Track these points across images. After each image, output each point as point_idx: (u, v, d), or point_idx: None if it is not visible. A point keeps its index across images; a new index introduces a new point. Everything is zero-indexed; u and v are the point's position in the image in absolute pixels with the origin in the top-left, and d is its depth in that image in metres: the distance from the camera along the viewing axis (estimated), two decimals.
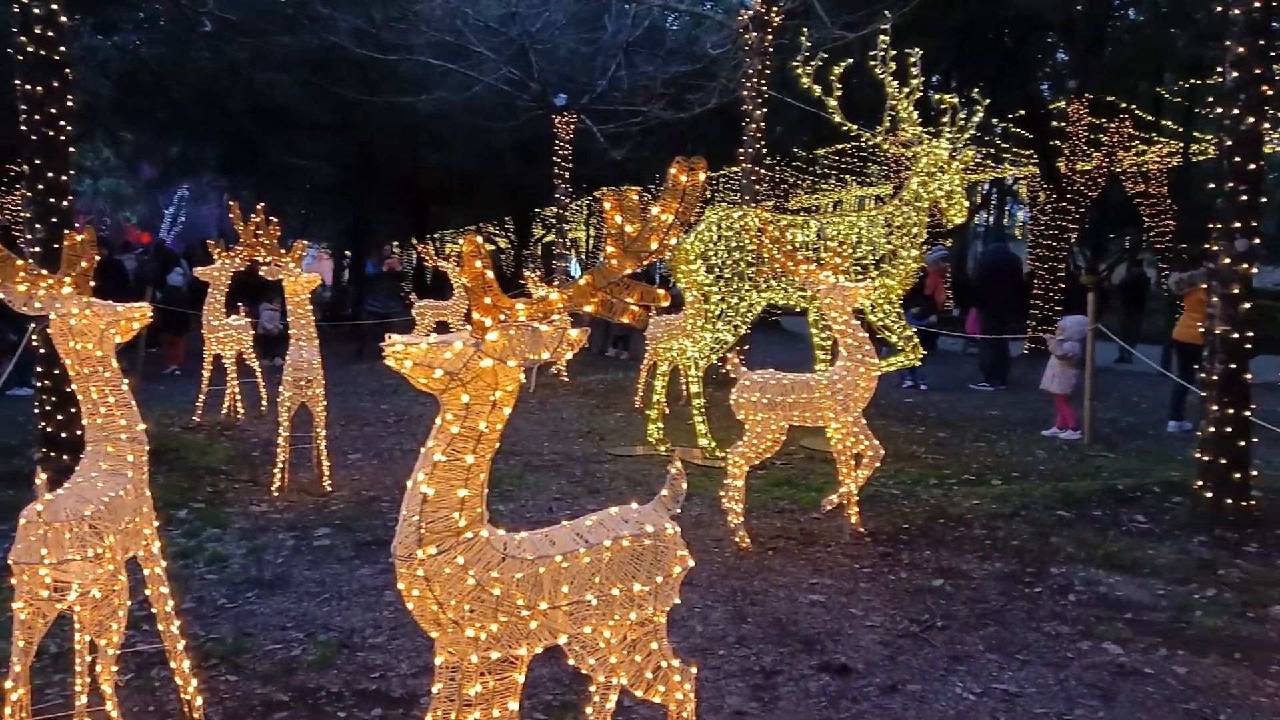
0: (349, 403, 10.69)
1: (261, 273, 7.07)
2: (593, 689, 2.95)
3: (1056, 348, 9.55)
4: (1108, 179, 18.98)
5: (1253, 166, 5.62)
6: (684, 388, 10.64)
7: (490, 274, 2.22)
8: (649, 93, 14.13)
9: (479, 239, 2.21)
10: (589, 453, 8.55)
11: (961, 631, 4.55)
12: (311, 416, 6.91)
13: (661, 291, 2.34)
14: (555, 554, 2.50)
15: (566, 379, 12.96)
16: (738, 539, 5.72)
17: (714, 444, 8.26)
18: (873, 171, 26.29)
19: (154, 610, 3.44)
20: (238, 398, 9.71)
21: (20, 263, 3.12)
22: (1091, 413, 9.31)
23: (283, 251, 6.89)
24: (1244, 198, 5.64)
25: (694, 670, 2.86)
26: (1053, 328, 10.43)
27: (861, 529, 5.99)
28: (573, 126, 15.60)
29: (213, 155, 18.60)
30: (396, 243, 30.05)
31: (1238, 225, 5.67)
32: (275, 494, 6.73)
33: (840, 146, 22.07)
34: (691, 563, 2.81)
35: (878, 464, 5.91)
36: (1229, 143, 5.68)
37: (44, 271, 3.19)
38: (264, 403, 9.86)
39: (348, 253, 27.25)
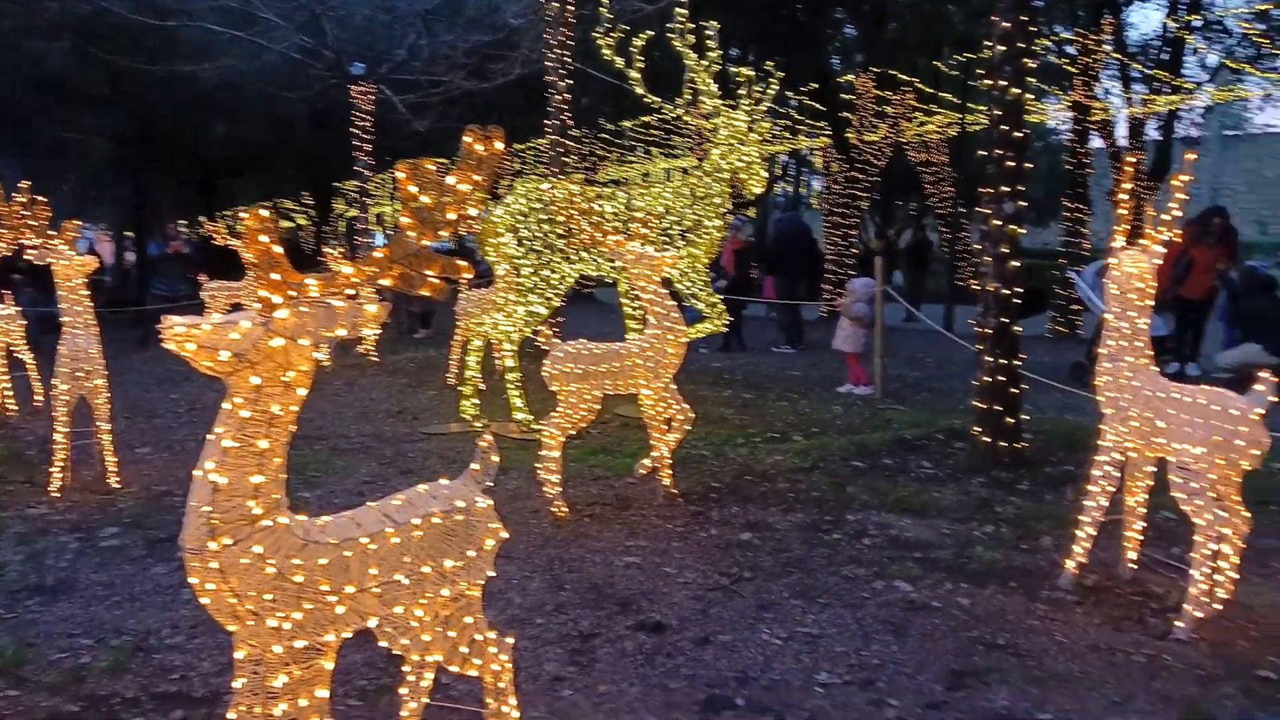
0: (135, 393, 10.00)
1: (28, 256, 6.48)
2: (406, 669, 2.91)
3: (847, 309, 10.11)
4: (894, 149, 20.16)
5: (1018, 135, 6.11)
6: (498, 362, 10.57)
7: (278, 248, 2.13)
8: (450, 62, 13.82)
9: (264, 212, 2.12)
10: (400, 433, 8.37)
11: (768, 581, 4.78)
12: (92, 410, 6.42)
13: (464, 264, 2.31)
14: (361, 536, 2.45)
15: (376, 359, 12.60)
16: (555, 509, 5.76)
17: (530, 417, 8.25)
18: (678, 144, 26.80)
19: None
20: (9, 393, 8.89)
21: None
22: (882, 369, 9.92)
23: (52, 233, 6.33)
24: (1010, 164, 6.13)
25: (511, 641, 2.88)
26: (844, 291, 11.00)
27: (674, 490, 6.16)
28: (371, 97, 15.06)
29: None
30: (184, 221, 28.20)
31: (1005, 189, 6.17)
32: (55, 494, 6.22)
33: (646, 119, 22.36)
34: (505, 534, 2.82)
35: (688, 427, 6.09)
36: (997, 112, 6.15)
37: None
38: (39, 397, 9.07)
39: (129, 233, 25.30)
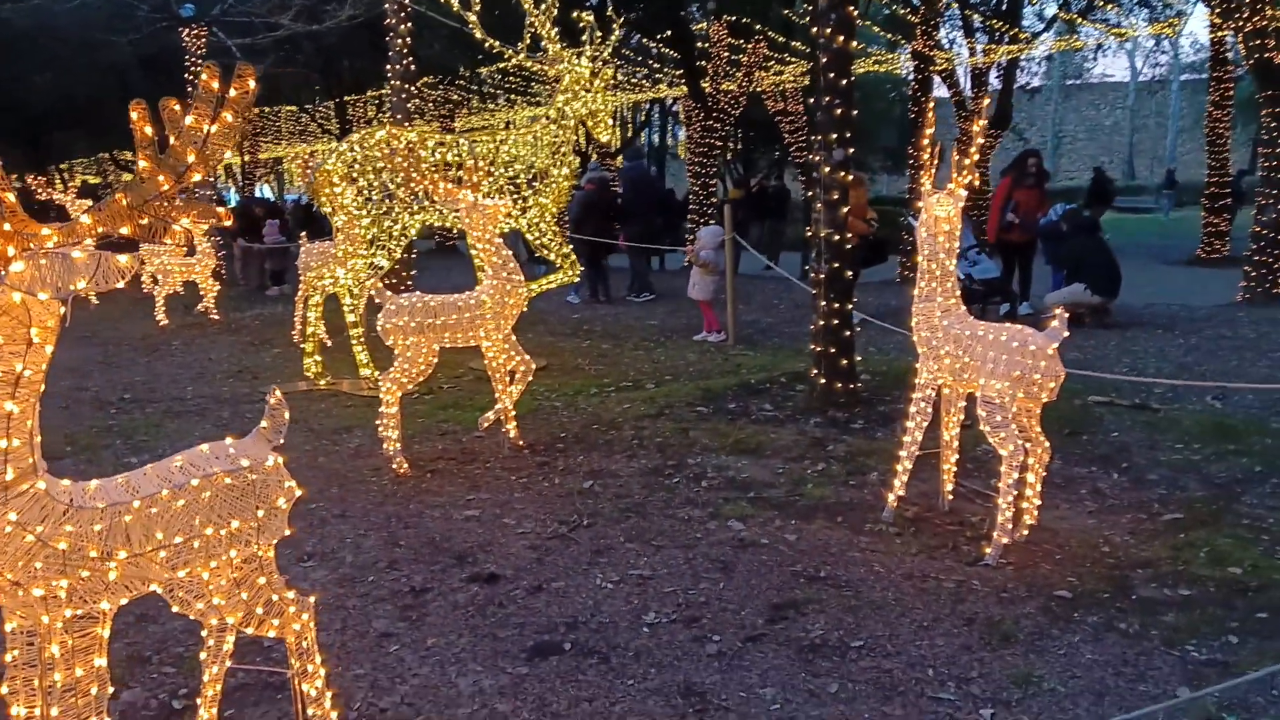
0: None
1: None
2: (204, 633, 2.81)
3: (695, 257, 10.22)
4: (749, 98, 20.35)
5: (845, 82, 6.22)
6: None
7: (11, 197, 1.97)
8: (282, 3, 13.17)
9: None
10: (240, 393, 8.06)
11: (605, 526, 4.82)
12: None
13: (222, 210, 2.19)
14: (133, 500, 2.33)
15: (217, 317, 12.07)
16: (395, 466, 5.66)
17: (376, 373, 8.06)
18: (539, 91, 26.38)
19: None
20: None
21: None
22: (734, 316, 10.07)
23: None
24: (839, 111, 6.25)
25: (312, 600, 2.81)
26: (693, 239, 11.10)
27: (521, 442, 6.14)
28: (203, 40, 14.25)
29: None
30: (13, 176, 26.17)
31: (835, 137, 6.29)
32: None
33: (503, 66, 21.88)
34: (298, 492, 2.73)
35: (530, 378, 6.06)
36: (824, 60, 6.24)
37: None
38: None
39: None
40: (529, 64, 8.97)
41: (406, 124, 9.92)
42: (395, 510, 5.12)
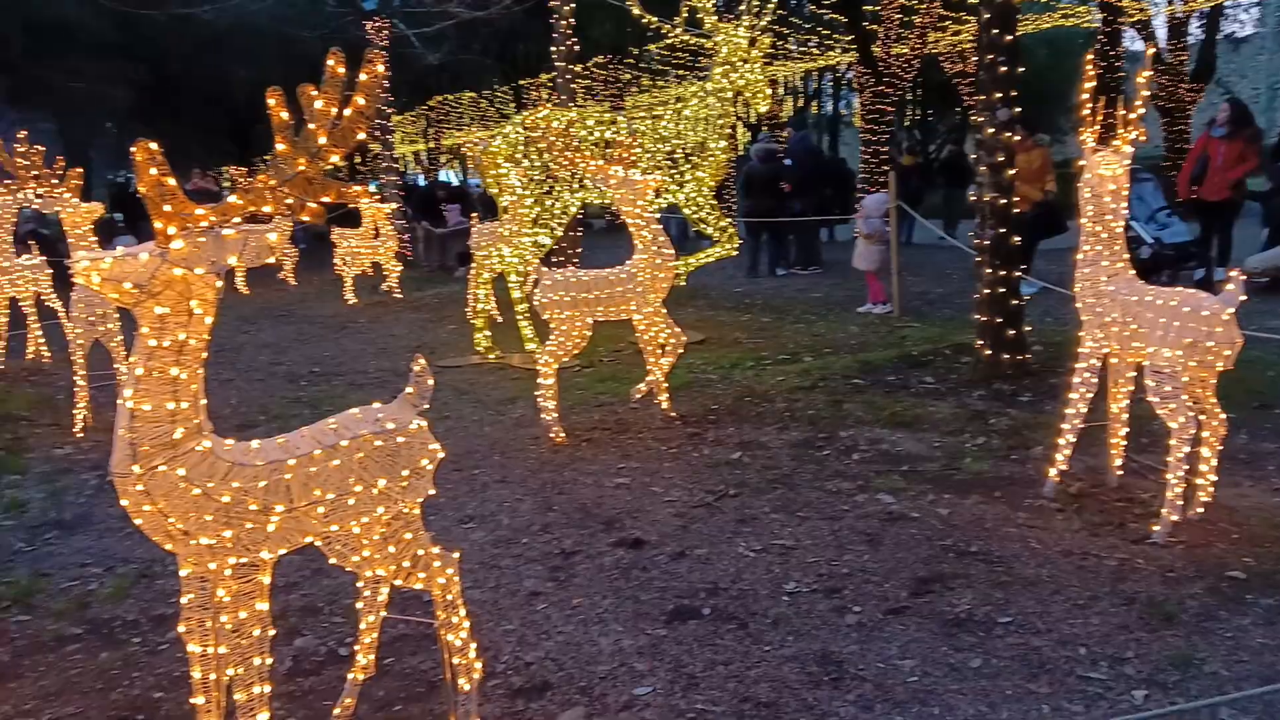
0: None
1: (36, 205, 6.65)
2: (360, 584, 3.04)
3: (861, 226, 9.98)
4: (926, 61, 19.58)
5: (1009, 38, 5.92)
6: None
7: (171, 180, 2.19)
8: None
9: (152, 145, 2.16)
10: None
11: (751, 497, 4.84)
12: (109, 355, 6.64)
13: (358, 189, 2.35)
14: (289, 458, 2.54)
15: (399, 296, 12.78)
16: (552, 435, 5.86)
17: (540, 346, 8.34)
18: (707, 66, 26.26)
19: None
20: (41, 341, 9.20)
21: None
22: (901, 286, 9.80)
23: (55, 181, 6.48)
24: (1003, 69, 5.96)
25: (456, 556, 2.97)
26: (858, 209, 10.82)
27: (673, 413, 6.23)
28: (386, 32, 15.01)
29: (1, 86, 17.07)
30: (197, 169, 28.44)
31: (999, 96, 6.00)
32: (79, 435, 6.49)
33: (669, 41, 21.93)
34: (442, 454, 2.89)
35: (680, 351, 6.12)
36: (986, 16, 5.95)
37: None
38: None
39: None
40: (688, 38, 8.97)
41: (571, 104, 10.15)
42: (550, 477, 5.31)
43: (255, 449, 2.56)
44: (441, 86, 23.94)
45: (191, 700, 2.60)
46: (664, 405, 6.21)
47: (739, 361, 7.85)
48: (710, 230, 8.86)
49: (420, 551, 2.86)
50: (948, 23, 19.84)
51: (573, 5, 10.87)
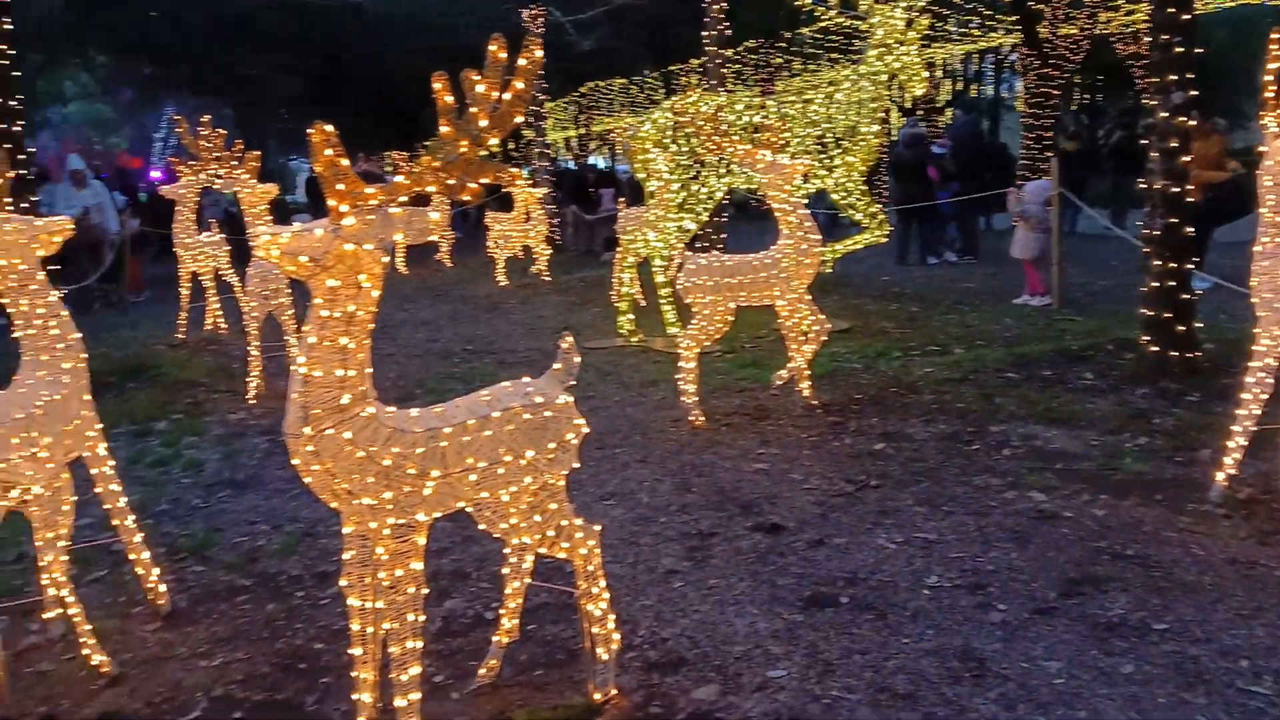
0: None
1: (217, 186, 7.14)
2: (507, 551, 3.16)
3: (1014, 207, 9.60)
4: (1095, 43, 18.57)
5: (1185, 17, 5.56)
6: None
7: (344, 161, 2.32)
8: None
9: (328, 127, 2.30)
10: None
11: (894, 489, 4.76)
12: (280, 326, 7.07)
13: (515, 170, 2.43)
14: (445, 426, 2.67)
15: (548, 278, 13.08)
16: (691, 418, 5.91)
17: (682, 331, 8.39)
18: (862, 49, 25.68)
19: (106, 507, 3.66)
20: (219, 313, 9.88)
21: None
22: (1061, 277, 9.38)
23: (235, 164, 6.94)
24: (1177, 49, 5.61)
25: (598, 529, 3.06)
26: (1010, 194, 10.38)
27: (814, 401, 6.17)
28: (541, 20, 15.33)
29: (184, 74, 18.37)
30: (363, 154, 29.66)
31: (1173, 78, 5.65)
32: (251, 401, 6.95)
33: (823, 24, 21.56)
34: (586, 429, 2.98)
35: (824, 338, 6.05)
36: None
37: None
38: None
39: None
40: (842, 20, 8.81)
41: (721, 89, 10.13)
42: (690, 459, 5.36)
43: (414, 417, 2.69)
44: (593, 73, 24.24)
45: (350, 651, 2.77)
46: (805, 393, 6.16)
47: (885, 351, 7.70)
48: (860, 216, 8.70)
49: (564, 522, 2.96)
50: (1120, 1, 18.75)
51: None
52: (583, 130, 34.75)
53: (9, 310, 3.39)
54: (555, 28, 15.59)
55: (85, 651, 3.34)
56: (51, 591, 3.65)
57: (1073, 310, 9.14)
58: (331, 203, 2.33)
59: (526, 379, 2.97)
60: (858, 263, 11.90)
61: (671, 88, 26.52)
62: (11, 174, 3.39)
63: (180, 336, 9.39)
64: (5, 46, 6.85)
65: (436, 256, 14.75)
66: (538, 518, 2.90)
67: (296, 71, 16.08)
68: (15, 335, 3.43)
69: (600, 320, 10.06)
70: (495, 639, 3.25)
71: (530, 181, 14.63)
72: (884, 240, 9.02)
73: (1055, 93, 17.64)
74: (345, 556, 2.72)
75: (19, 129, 6.98)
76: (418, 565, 2.71)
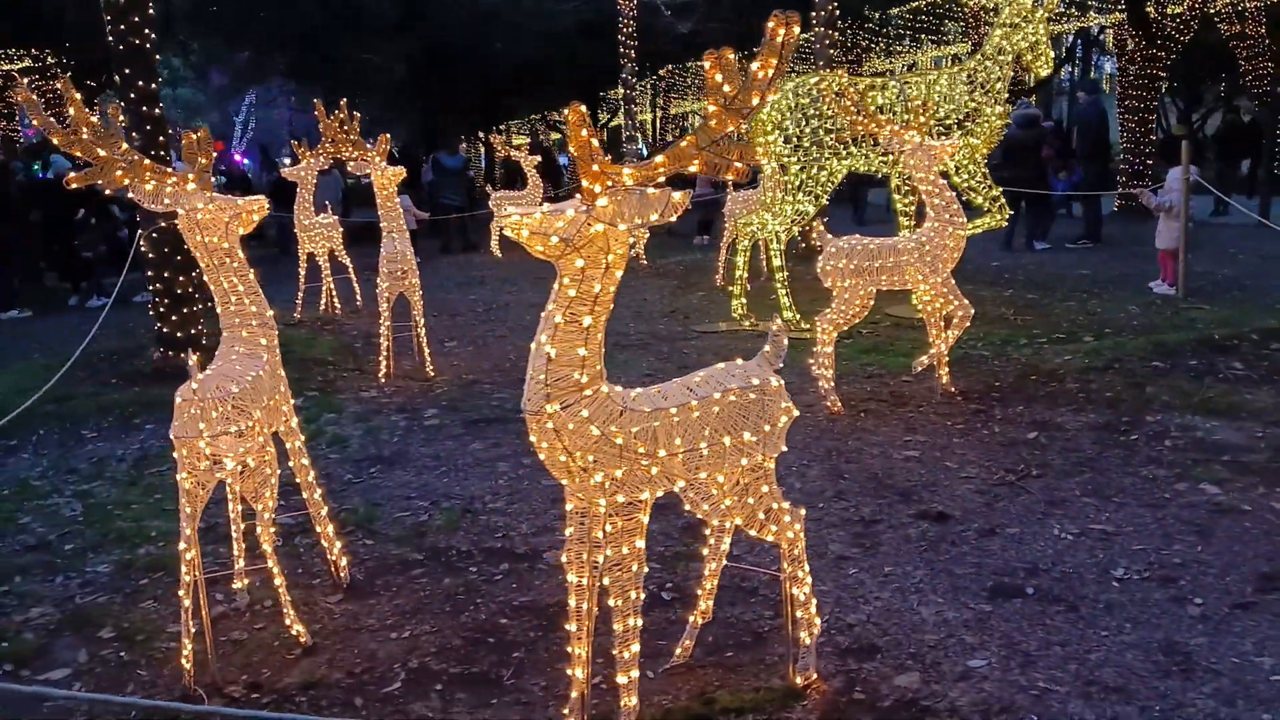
0: (439, 295, 10.97)
1: (350, 168, 7.25)
2: (707, 532, 3.15)
3: (1150, 200, 9.31)
4: (1200, 21, 17.90)
5: None
6: (764, 262, 10.66)
7: (596, 142, 2.32)
8: None
9: (583, 108, 2.30)
10: (674, 331, 8.71)
11: (1057, 479, 4.65)
12: (409, 306, 7.17)
13: (783, 150, 2.39)
14: (669, 406, 2.66)
15: (645, 262, 13.06)
16: (829, 404, 5.84)
17: (797, 316, 8.32)
18: (949, 29, 25.16)
19: (298, 480, 3.74)
20: (334, 293, 10.07)
21: (147, 163, 3.32)
22: (1185, 266, 9.08)
23: (369, 146, 7.04)
24: None
25: (803, 512, 3.03)
26: (1143, 183, 10.11)
27: (952, 388, 6.06)
28: (635, 2, 15.29)
29: (282, 60, 18.70)
30: (462, 136, 29.99)
31: None
32: (382, 380, 7.06)
33: (914, 5, 21.18)
34: (796, 413, 2.95)
35: (967, 324, 5.93)
36: None
37: (169, 170, 3.39)
38: (358, 297, 10.19)
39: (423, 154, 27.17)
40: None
41: (827, 70, 9.98)
42: (834, 445, 5.30)
43: (638, 396, 2.69)
44: (679, 56, 24.13)
45: (565, 625, 2.79)
46: (944, 380, 6.06)
47: (1010, 338, 7.53)
48: (980, 200, 8.50)
49: (774, 505, 2.94)
50: None
51: None
52: (660, 113, 34.66)
53: (210, 286, 3.48)
54: (650, 10, 15.52)
55: (287, 621, 3.42)
56: (241, 562, 3.76)
57: (1199, 299, 8.85)
58: (585, 183, 2.33)
59: (739, 361, 2.95)
60: (969, 246, 11.65)
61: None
62: (206, 160, 3.45)
63: (297, 316, 9.59)
64: (148, 30, 7.02)
65: None
66: (750, 500, 2.88)
67: (399, 58, 16.24)
68: (216, 310, 3.51)
69: (706, 304, 10.03)
70: (691, 619, 3.25)
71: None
72: (1004, 225, 8.81)
73: (1162, 75, 17.06)
74: (567, 532, 2.74)
75: (159, 112, 7.15)
76: (640, 543, 2.71)
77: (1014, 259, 11.92)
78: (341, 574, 3.89)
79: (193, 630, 3.18)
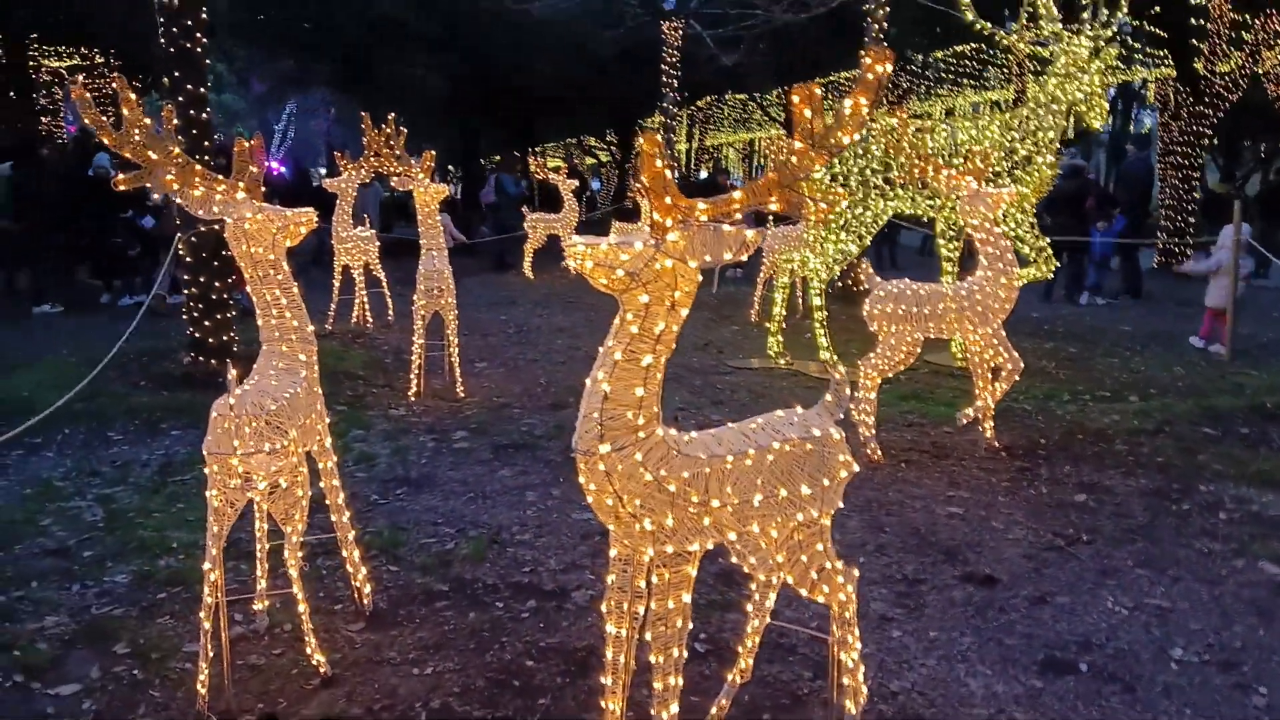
0: (470, 315, 10.85)
1: (393, 184, 7.19)
2: (754, 587, 3.00)
3: (1192, 268, 9.17)
4: (1249, 81, 17.71)
5: None
6: (801, 300, 10.52)
7: (669, 173, 2.20)
8: None
9: (659, 136, 2.19)
10: (708, 365, 8.57)
11: (1108, 546, 4.46)
12: (443, 324, 7.08)
13: (842, 190, 2.27)
14: (725, 454, 2.52)
15: None
16: (869, 451, 5.68)
17: (835, 357, 8.17)
18: (991, 75, 25.08)
19: (327, 501, 3.63)
20: (366, 307, 10.00)
21: (198, 168, 3.23)
22: (1232, 327, 8.87)
23: (413, 162, 6.98)
24: None
25: (856, 573, 2.88)
26: (1184, 241, 9.96)
27: (997, 443, 5.89)
28: (680, 32, 15.27)
29: (324, 70, 18.78)
30: (497, 156, 30.09)
31: None
32: (412, 398, 6.95)
33: (959, 49, 21.07)
34: (856, 467, 2.81)
35: (1016, 378, 5.77)
36: None
37: (220, 178, 3.30)
38: (390, 312, 10.12)
39: (452, 169, 27.09)
40: (1021, 44, 8.45)
41: (889, 108, 9.86)
42: (874, 496, 5.14)
43: (694, 440, 2.56)
44: (718, 87, 24.15)
45: (600, 678, 2.64)
46: (988, 433, 5.88)
47: (1053, 394, 7.35)
48: (1026, 249, 8.34)
49: (827, 564, 2.78)
50: None
51: (886, 8, 10.59)
52: (696, 144, 34.71)
53: (254, 298, 3.38)
54: (694, 40, 15.49)
55: (308, 651, 3.29)
56: (264, 583, 3.63)
57: (1245, 362, 8.63)
58: (657, 216, 2.21)
59: (799, 408, 2.81)
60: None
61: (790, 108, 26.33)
62: (258, 169, 3.36)
63: (328, 327, 9.52)
64: (200, 35, 7.01)
65: (561, 265, 14.68)
66: (803, 558, 2.73)
67: (440, 72, 16.27)
68: (258, 322, 3.42)
69: (740, 339, 9.90)
70: (730, 677, 3.10)
71: None
72: (1050, 276, 8.64)
73: (1209, 133, 16.87)
74: (609, 580, 2.60)
75: (206, 116, 7.13)
76: (687, 598, 2.57)
77: (1053, 311, 11.73)
78: (365, 601, 3.77)
79: (210, 654, 3.06)
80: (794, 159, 2.15)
